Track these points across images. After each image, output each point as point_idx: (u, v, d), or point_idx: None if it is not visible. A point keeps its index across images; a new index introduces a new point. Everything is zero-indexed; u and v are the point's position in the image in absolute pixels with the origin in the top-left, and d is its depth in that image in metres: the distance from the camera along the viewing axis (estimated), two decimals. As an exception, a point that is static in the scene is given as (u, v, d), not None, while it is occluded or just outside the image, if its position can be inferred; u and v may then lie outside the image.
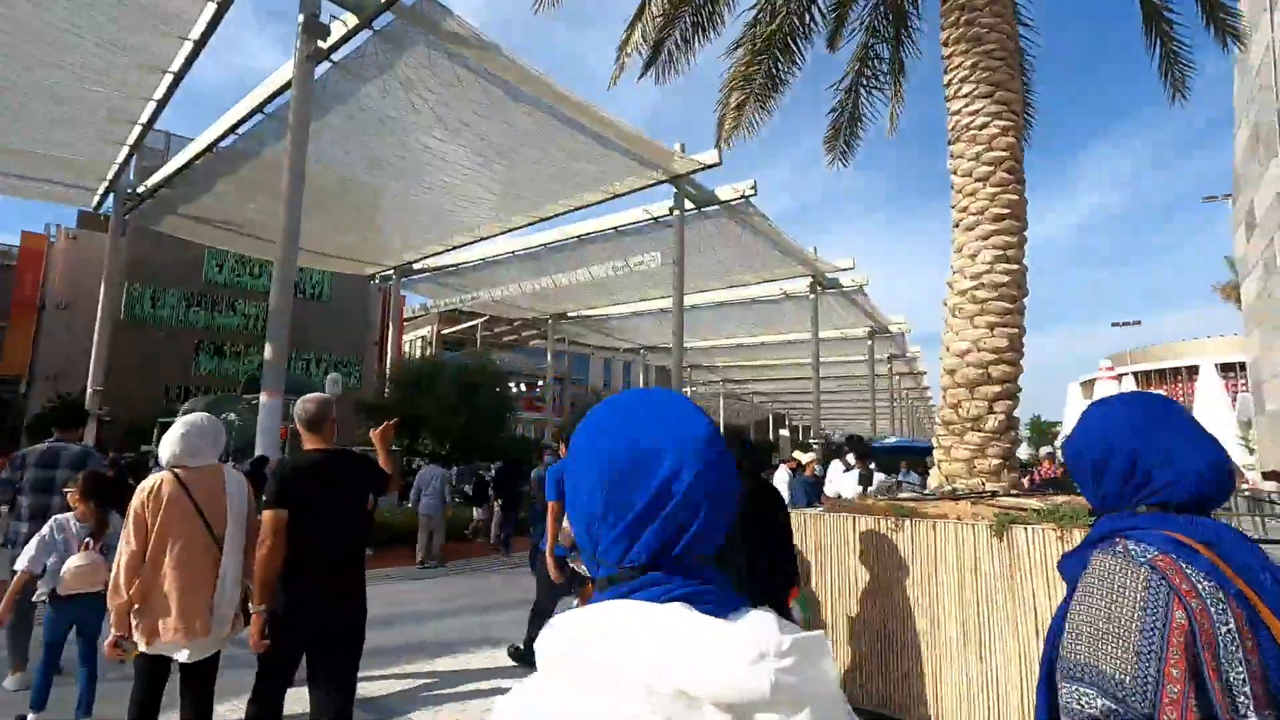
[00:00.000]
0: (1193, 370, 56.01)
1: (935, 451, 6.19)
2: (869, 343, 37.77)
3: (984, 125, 6.22)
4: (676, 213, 21.21)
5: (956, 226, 6.38)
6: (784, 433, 60.99)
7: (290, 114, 11.24)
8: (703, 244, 24.46)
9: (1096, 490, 1.44)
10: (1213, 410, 52.80)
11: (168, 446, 3.55)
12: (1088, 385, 63.42)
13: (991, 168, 6.17)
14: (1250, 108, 17.40)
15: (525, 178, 19.17)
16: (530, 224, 22.67)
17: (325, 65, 11.87)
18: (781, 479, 8.21)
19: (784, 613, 3.68)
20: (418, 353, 39.41)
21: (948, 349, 6.23)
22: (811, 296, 30.07)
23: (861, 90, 11.04)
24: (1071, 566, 1.40)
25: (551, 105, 14.36)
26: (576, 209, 22.25)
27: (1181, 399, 55.61)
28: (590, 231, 24.18)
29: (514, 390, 16.14)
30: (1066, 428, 56.31)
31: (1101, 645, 1.20)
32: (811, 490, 7.84)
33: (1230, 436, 46.27)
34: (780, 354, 42.43)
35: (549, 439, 22.03)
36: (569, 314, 32.33)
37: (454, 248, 24.53)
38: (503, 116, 14.65)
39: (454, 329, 41.31)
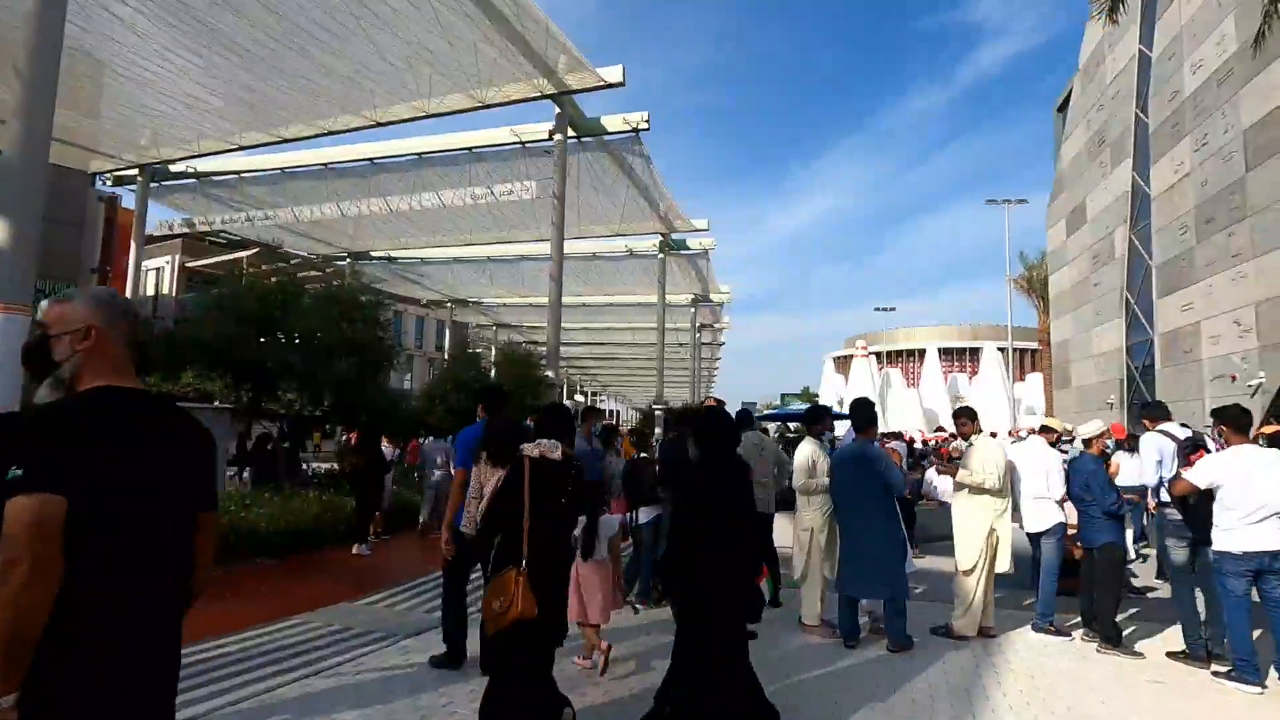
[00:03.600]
0: (921, 353, 66.47)
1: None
2: (691, 310, 37.61)
3: None
4: (559, 138, 17.86)
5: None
6: (579, 398, 59.79)
7: None
8: (545, 189, 21.21)
9: None
10: (932, 385, 63.36)
11: None
12: (842, 361, 72.90)
13: None
14: (1095, 115, 19.58)
15: (344, 63, 14.48)
16: (342, 132, 17.46)
17: None
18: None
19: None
20: (151, 288, 30.26)
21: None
22: (661, 256, 28.52)
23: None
24: None
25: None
26: (420, 117, 17.65)
27: (911, 377, 65.92)
28: (434, 150, 19.65)
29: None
30: (825, 395, 63.39)
31: None
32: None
33: (944, 409, 55.42)
34: (594, 318, 40.11)
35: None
36: (373, 254, 26.88)
37: (239, 148, 18.32)
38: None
39: (203, 261, 32.45)
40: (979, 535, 4.78)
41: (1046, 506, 5.10)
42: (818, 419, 5.55)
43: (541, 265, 30.33)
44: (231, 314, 8.81)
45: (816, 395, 65.33)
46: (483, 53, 14.83)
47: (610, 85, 16.63)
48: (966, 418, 5.47)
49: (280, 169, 19.84)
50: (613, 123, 18.74)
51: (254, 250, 30.82)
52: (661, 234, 27.77)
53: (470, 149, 19.50)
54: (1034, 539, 5.31)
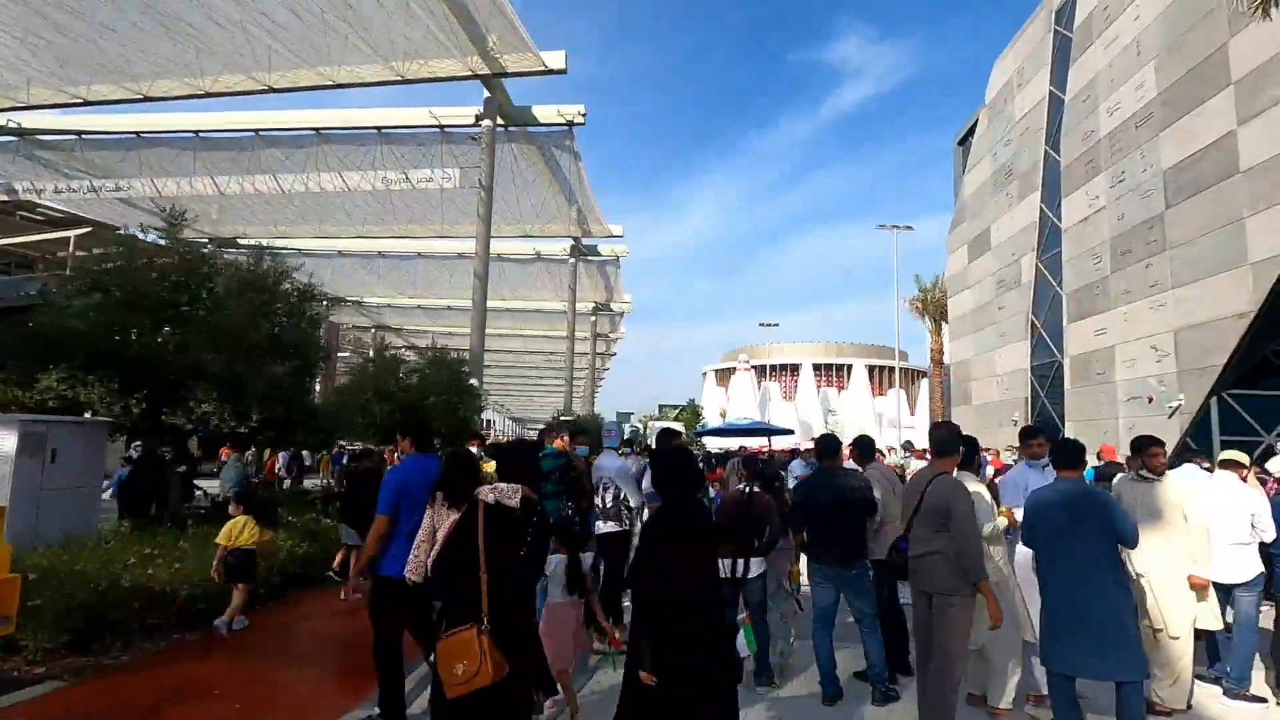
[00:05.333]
0: (795, 368, 69.77)
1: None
2: (591, 318, 36.45)
3: None
4: (486, 123, 16.17)
5: None
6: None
7: None
8: (468, 178, 19.28)
9: None
10: (807, 398, 66.58)
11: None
12: (723, 374, 74.74)
13: None
14: (1002, 150, 20.89)
15: (237, 7, 12.30)
16: (224, 94, 14.78)
17: None
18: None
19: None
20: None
21: None
22: (572, 261, 27.17)
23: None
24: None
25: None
26: (326, 87, 15.33)
27: (787, 390, 68.91)
28: (336, 126, 17.21)
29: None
30: (709, 410, 64.57)
31: None
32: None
33: (816, 419, 58.38)
34: (489, 323, 37.57)
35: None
36: (240, 241, 23.42)
37: (83, 102, 15.06)
38: None
39: (12, 240, 26.83)
40: (1185, 592, 4.14)
41: (1247, 554, 4.46)
42: (966, 450, 4.09)
43: (441, 264, 28.04)
44: (117, 297, 6.48)
45: (701, 408, 66.32)
46: (416, 19, 12.96)
47: (551, 71, 15.24)
48: (1158, 446, 4.39)
49: (136, 132, 16.43)
50: (545, 113, 17.26)
51: (84, 230, 25.81)
52: (574, 238, 26.51)
53: (380, 129, 17.23)
54: (1224, 591, 4.51)
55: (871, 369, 70.24)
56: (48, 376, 6.26)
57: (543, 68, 14.97)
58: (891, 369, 73.21)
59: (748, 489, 4.43)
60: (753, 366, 70.49)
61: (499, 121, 16.56)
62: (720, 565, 4.28)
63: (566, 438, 5.79)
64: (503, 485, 2.86)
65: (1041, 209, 18.46)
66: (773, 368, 71.13)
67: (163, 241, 7.42)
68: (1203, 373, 12.37)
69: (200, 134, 16.83)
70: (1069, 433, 16.37)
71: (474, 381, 15.71)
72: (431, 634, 3.00)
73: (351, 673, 4.56)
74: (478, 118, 16.33)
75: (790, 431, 27.81)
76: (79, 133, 16.53)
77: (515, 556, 2.79)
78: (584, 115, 17.33)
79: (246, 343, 6.93)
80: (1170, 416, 13.02)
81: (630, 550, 5.85)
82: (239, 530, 5.55)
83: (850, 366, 68.95)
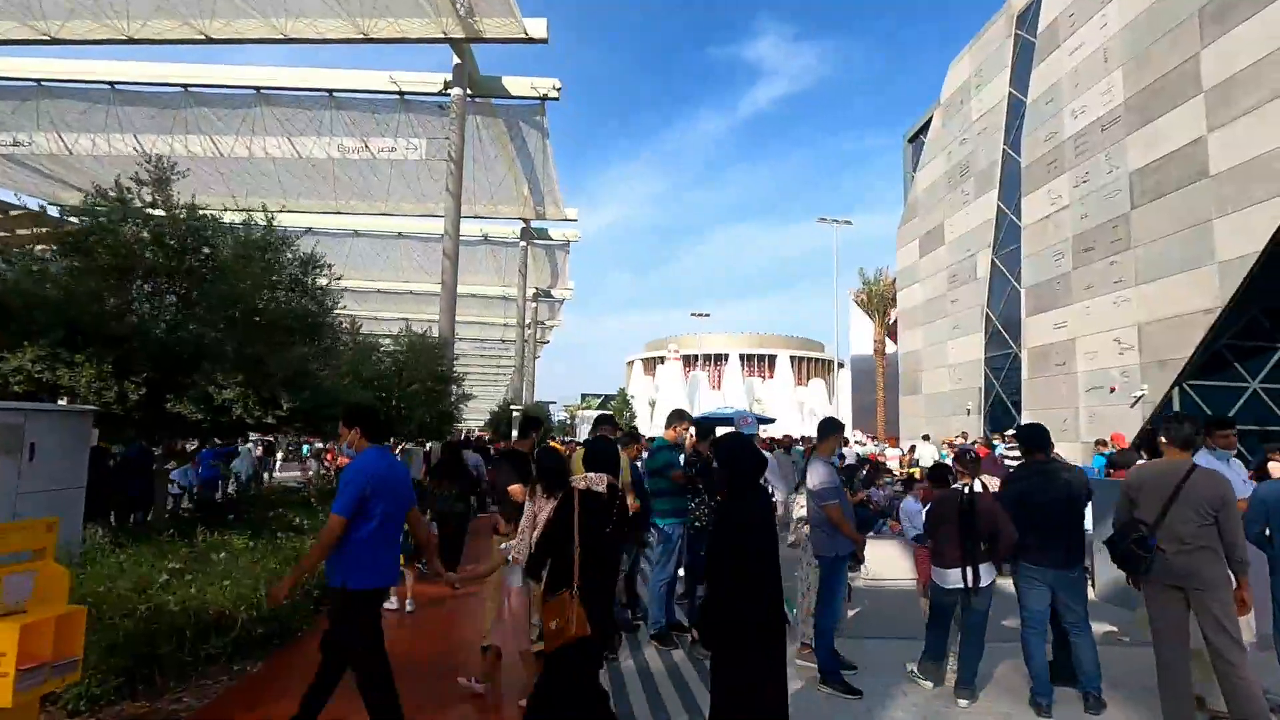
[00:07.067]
0: (721, 358, 70.87)
1: None
2: (532, 305, 35.24)
3: None
4: (456, 92, 14.99)
5: None
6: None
7: None
8: (436, 150, 17.92)
9: None
10: (733, 386, 67.80)
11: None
12: (649, 363, 74.86)
13: None
14: (957, 148, 21.54)
15: None
16: (150, 42, 12.98)
17: None
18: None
19: None
20: None
21: None
22: (522, 244, 26.01)
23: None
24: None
25: None
26: (274, 40, 13.77)
27: (713, 379, 69.90)
28: (280, 86, 15.50)
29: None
30: (638, 399, 64.44)
31: None
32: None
33: (746, 405, 59.49)
34: (423, 306, 35.74)
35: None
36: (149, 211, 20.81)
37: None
38: None
39: None
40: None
41: None
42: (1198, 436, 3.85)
43: (380, 243, 26.16)
44: (104, 261, 5.24)
45: (632, 396, 66.02)
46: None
47: (531, 40, 14.26)
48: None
49: (37, 80, 14.06)
50: (517, 85, 16.18)
51: (-48, 193, 22.12)
52: (525, 220, 25.36)
53: (330, 92, 15.64)
54: None
55: (793, 359, 72.49)
56: (17, 356, 5.00)
57: (523, 35, 13.95)
58: (811, 360, 75.95)
59: (967, 489, 3.99)
60: (683, 356, 71.14)
61: (467, 91, 15.44)
62: (951, 575, 3.90)
63: (687, 428, 5.13)
64: (591, 475, 3.36)
65: (999, 206, 19.20)
66: (700, 357, 71.83)
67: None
68: (1166, 364, 13.15)
69: (115, 86, 14.68)
70: (1026, 419, 17.16)
71: (457, 368, 14.57)
72: None
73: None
74: (446, 84, 15.09)
75: (773, 420, 28.04)
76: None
77: (604, 533, 3.24)
78: (559, 90, 16.43)
79: (266, 318, 5.88)
80: (1133, 405, 13.79)
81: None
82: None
83: (775, 357, 70.61)
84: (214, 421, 5.74)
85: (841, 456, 9.32)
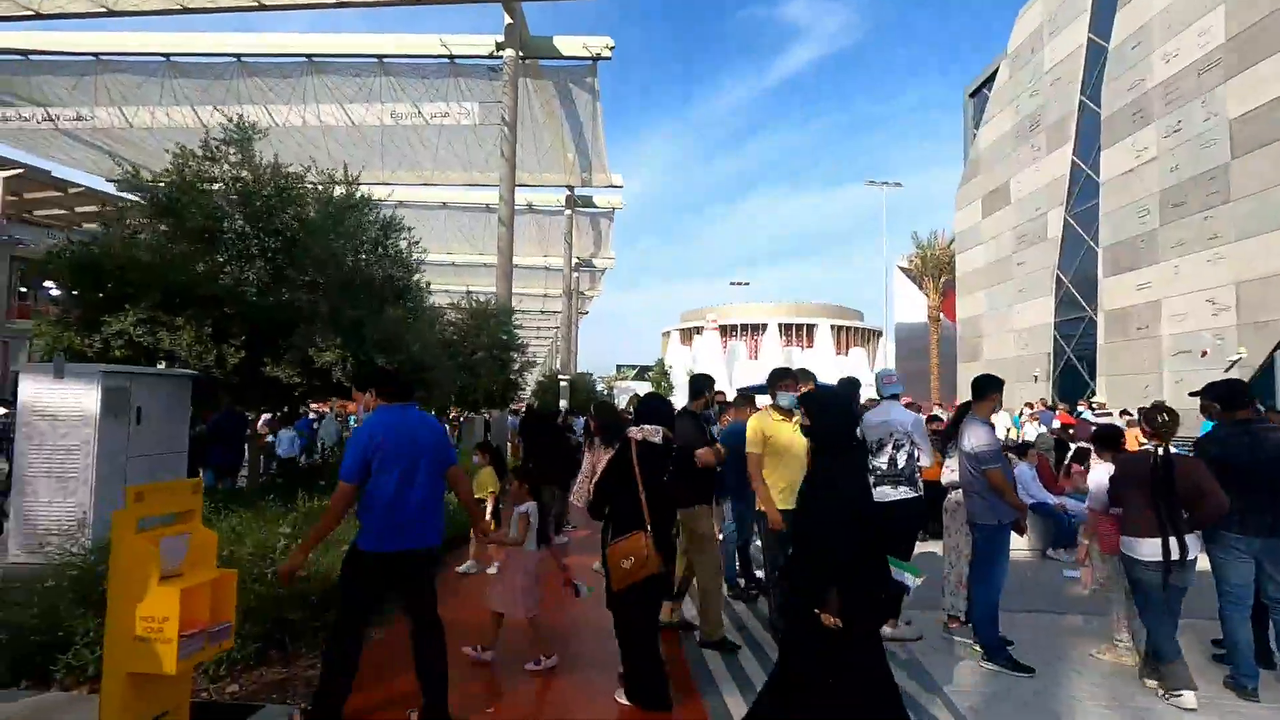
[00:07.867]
0: (759, 327, 70.12)
1: None
2: (575, 275, 34.93)
3: None
4: (509, 53, 14.57)
5: None
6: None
7: None
8: (489, 114, 17.53)
9: None
10: (772, 355, 67.07)
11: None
12: (686, 333, 74.31)
13: None
14: (1026, 101, 20.43)
15: None
16: (202, 11, 12.78)
17: None
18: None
19: None
20: None
21: None
22: (567, 212, 25.67)
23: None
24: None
25: None
26: (325, 5, 13.52)
27: (751, 349, 69.21)
28: (330, 53, 15.27)
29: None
30: (676, 370, 64.20)
31: None
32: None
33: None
34: (464, 277, 35.56)
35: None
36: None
37: (33, 15, 12.86)
38: None
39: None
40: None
41: None
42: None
43: (424, 214, 26.02)
44: (197, 223, 5.12)
45: (670, 368, 65.81)
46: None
47: (587, -6, 13.76)
48: None
49: (95, 54, 14.05)
50: (569, 45, 15.68)
51: (14, 172, 22.60)
52: (569, 188, 24.93)
53: (380, 58, 15.35)
54: None
55: (834, 328, 71.19)
56: (119, 319, 4.89)
57: (579, -11, 13.47)
58: (851, 329, 74.50)
59: (1160, 450, 3.58)
60: (720, 326, 70.46)
61: (519, 53, 15.01)
62: (1146, 546, 3.44)
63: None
64: (647, 426, 3.58)
65: (1074, 161, 18.17)
66: (737, 327, 71.20)
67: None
68: (1266, 326, 12.34)
69: (171, 58, 14.60)
70: (1102, 388, 16.40)
71: (519, 335, 14.37)
72: None
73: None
74: (499, 46, 14.69)
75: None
76: (24, 53, 14.00)
77: (661, 480, 3.47)
78: (611, 49, 15.88)
79: (358, 280, 5.71)
80: (1227, 370, 12.98)
81: (924, 521, 5.06)
82: (487, 480, 5.94)
83: (814, 326, 69.54)
84: (309, 385, 5.60)
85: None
